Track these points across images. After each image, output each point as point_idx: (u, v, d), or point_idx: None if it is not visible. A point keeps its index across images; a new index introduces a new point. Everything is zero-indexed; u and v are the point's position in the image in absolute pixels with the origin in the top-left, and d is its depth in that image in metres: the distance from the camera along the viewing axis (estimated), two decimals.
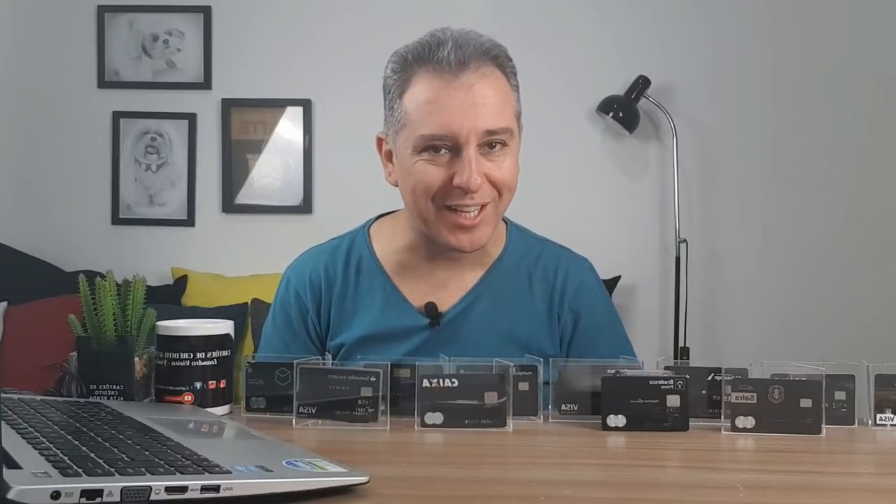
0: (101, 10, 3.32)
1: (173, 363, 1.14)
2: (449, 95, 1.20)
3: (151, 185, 3.34)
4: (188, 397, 1.14)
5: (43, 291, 2.90)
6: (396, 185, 1.31)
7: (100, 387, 1.14)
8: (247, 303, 2.93)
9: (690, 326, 3.08)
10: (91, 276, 1.18)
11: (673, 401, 1.08)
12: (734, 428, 1.06)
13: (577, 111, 3.23)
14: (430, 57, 1.22)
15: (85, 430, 0.89)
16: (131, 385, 1.14)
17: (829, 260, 3.18)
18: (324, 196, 3.30)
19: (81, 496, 0.66)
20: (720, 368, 1.10)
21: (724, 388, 1.07)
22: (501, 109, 1.24)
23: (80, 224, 3.32)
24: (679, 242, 3.08)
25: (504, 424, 1.07)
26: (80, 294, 1.16)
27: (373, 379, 1.07)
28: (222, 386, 1.16)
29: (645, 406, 1.08)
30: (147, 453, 0.79)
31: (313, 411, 1.08)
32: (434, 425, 1.06)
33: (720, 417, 1.07)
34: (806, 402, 1.06)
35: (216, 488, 0.71)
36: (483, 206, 1.25)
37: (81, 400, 1.12)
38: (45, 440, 0.81)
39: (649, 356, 1.21)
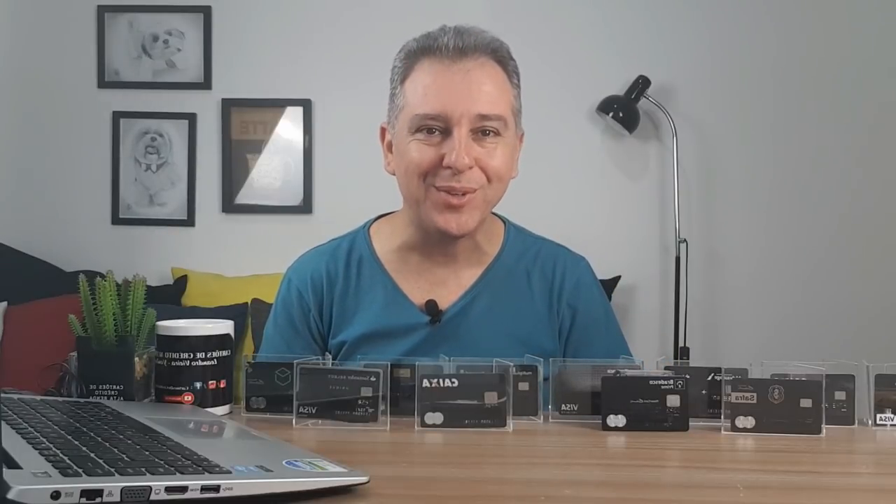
0: (101, 10, 3.32)
1: (173, 363, 1.14)
2: (446, 79, 1.24)
3: (151, 185, 3.34)
4: (188, 397, 1.14)
5: (43, 291, 2.90)
6: (394, 174, 1.33)
7: (100, 387, 1.14)
8: (247, 303, 2.93)
9: (690, 326, 3.08)
10: (91, 276, 1.18)
11: (673, 401, 1.08)
12: (734, 428, 1.06)
13: (577, 111, 3.23)
14: (432, 45, 1.27)
15: (85, 430, 0.89)
16: (131, 385, 1.14)
17: (829, 260, 3.18)
18: (324, 196, 3.30)
19: (81, 496, 0.66)
20: (720, 368, 1.10)
21: (724, 388, 1.07)
22: (496, 98, 1.26)
23: (80, 224, 3.32)
24: (679, 242, 3.08)
25: (504, 424, 1.07)
26: (80, 294, 1.16)
27: (373, 379, 1.07)
28: (222, 386, 1.16)
29: (645, 406, 1.08)
30: (147, 453, 0.79)
31: (313, 411, 1.08)
32: (434, 425, 1.06)
33: (720, 417, 1.07)
34: (806, 402, 1.06)
35: (216, 488, 0.71)
36: (471, 192, 1.26)
37: (81, 400, 1.12)
38: (45, 440, 0.81)
39: (649, 356, 1.21)
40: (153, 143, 3.33)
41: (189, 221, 3.32)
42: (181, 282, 3.14)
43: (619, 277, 3.09)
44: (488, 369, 1.11)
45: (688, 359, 2.86)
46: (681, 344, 3.03)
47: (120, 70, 3.33)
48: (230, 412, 1.17)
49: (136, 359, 1.15)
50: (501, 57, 1.29)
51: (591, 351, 1.34)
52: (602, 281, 1.50)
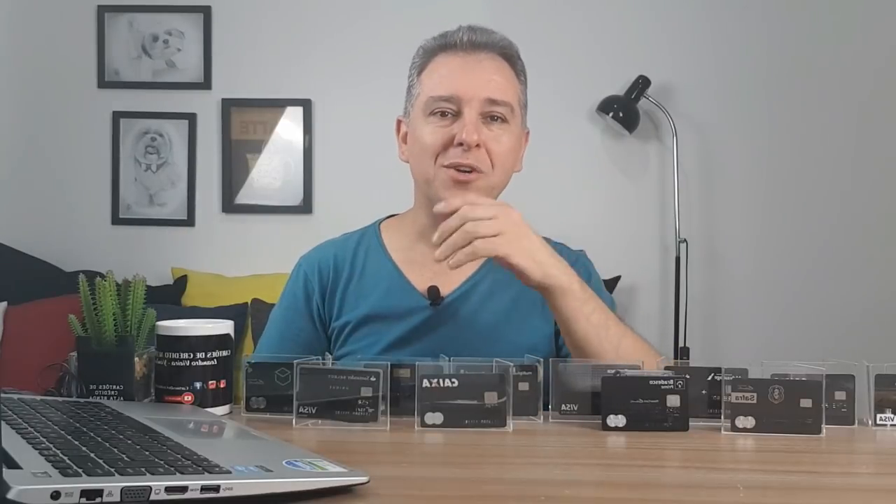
0: (101, 10, 3.32)
1: (173, 363, 1.14)
2: (459, 67, 1.35)
3: (151, 185, 3.34)
4: (188, 397, 1.14)
5: (43, 291, 2.90)
6: (407, 162, 1.42)
7: (100, 387, 1.14)
8: (247, 303, 2.93)
9: (690, 326, 3.08)
10: (91, 276, 1.18)
11: (673, 401, 1.08)
12: (734, 428, 1.06)
13: (577, 111, 3.23)
14: (448, 42, 1.37)
15: (85, 430, 0.89)
16: (131, 385, 1.14)
17: (828, 260, 3.18)
18: (324, 196, 3.30)
19: (81, 496, 0.66)
20: (720, 368, 1.10)
21: (724, 388, 1.07)
22: (505, 87, 1.35)
23: (80, 224, 3.32)
24: (679, 242, 3.08)
25: (504, 424, 1.07)
26: (80, 294, 1.16)
27: (373, 379, 1.07)
28: (222, 386, 1.16)
29: (645, 406, 1.08)
30: (147, 453, 0.79)
31: (313, 411, 1.08)
32: (434, 425, 1.06)
33: (720, 417, 1.07)
34: (806, 402, 1.06)
35: (216, 488, 0.71)
36: (477, 172, 1.33)
37: (81, 400, 1.11)
38: (45, 440, 0.81)
39: None
40: (153, 143, 3.33)
41: (189, 221, 3.33)
42: (181, 282, 3.14)
43: (619, 277, 3.09)
44: (488, 369, 1.11)
45: (688, 359, 2.86)
46: (681, 344, 3.03)
47: (120, 70, 3.33)
48: (230, 412, 1.17)
49: (136, 359, 1.15)
50: (510, 56, 1.38)
51: None
52: (602, 281, 1.52)
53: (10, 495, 0.63)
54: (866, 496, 0.85)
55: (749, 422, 1.06)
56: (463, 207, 1.20)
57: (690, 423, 1.08)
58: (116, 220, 3.33)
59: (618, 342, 1.24)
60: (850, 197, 3.18)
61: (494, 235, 1.19)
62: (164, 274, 3.20)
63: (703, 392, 1.12)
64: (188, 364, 1.14)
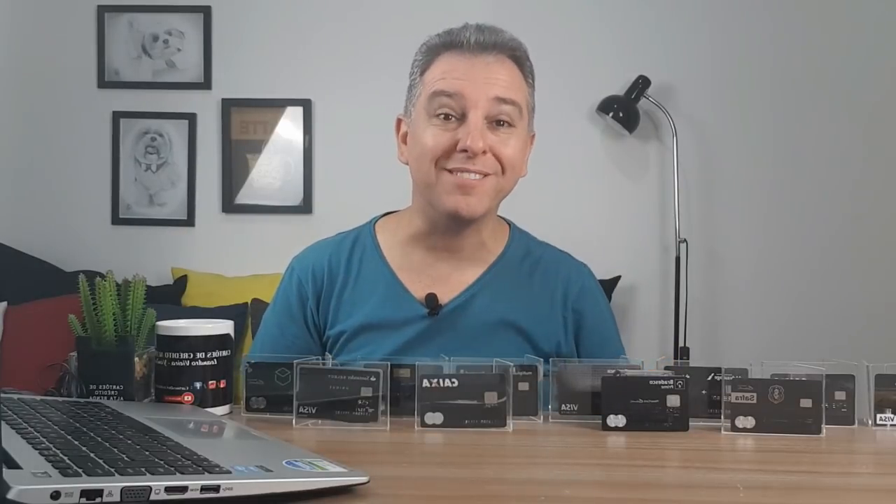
0: (101, 10, 3.32)
1: (173, 363, 1.14)
2: (465, 66, 1.28)
3: (151, 185, 3.34)
4: (188, 397, 1.14)
5: (43, 291, 2.89)
6: (406, 164, 1.35)
7: (100, 387, 1.14)
8: (247, 303, 2.93)
9: (690, 326, 3.08)
10: (91, 276, 1.18)
11: (673, 401, 1.08)
12: (734, 428, 1.06)
13: (577, 111, 3.23)
14: (453, 40, 1.30)
15: (85, 430, 0.89)
16: (131, 385, 1.14)
17: (829, 260, 3.18)
18: (324, 196, 3.30)
19: (81, 496, 0.66)
20: (720, 368, 1.10)
21: (724, 388, 1.07)
22: (513, 87, 1.29)
23: (80, 224, 3.32)
24: (679, 242, 3.08)
25: (504, 424, 1.07)
26: (80, 294, 1.16)
27: (373, 379, 1.07)
28: (222, 386, 1.16)
29: (645, 406, 1.08)
30: (147, 453, 0.79)
31: (313, 411, 1.08)
32: (434, 425, 1.06)
33: (720, 417, 1.07)
34: (806, 402, 1.06)
35: (216, 488, 0.71)
36: (485, 176, 1.27)
37: (81, 400, 1.12)
38: (45, 440, 0.81)
39: (649, 356, 1.21)
40: (153, 143, 3.33)
41: (189, 221, 3.32)
42: (181, 282, 3.14)
43: (619, 277, 3.09)
44: (488, 369, 1.11)
45: (688, 359, 2.86)
46: (681, 344, 3.02)
47: (120, 70, 3.33)
48: (230, 412, 1.17)
49: (136, 359, 1.15)
50: (519, 57, 1.32)
51: (603, 353, 1.35)
52: (602, 281, 1.51)
53: (10, 495, 0.63)
54: (866, 496, 0.85)
55: (749, 422, 1.06)
56: None
57: (690, 423, 1.08)
58: (116, 220, 3.33)
59: None
60: (849, 196, 3.18)
61: None
62: (164, 274, 3.20)
63: (703, 392, 1.12)
64: (188, 364, 1.14)
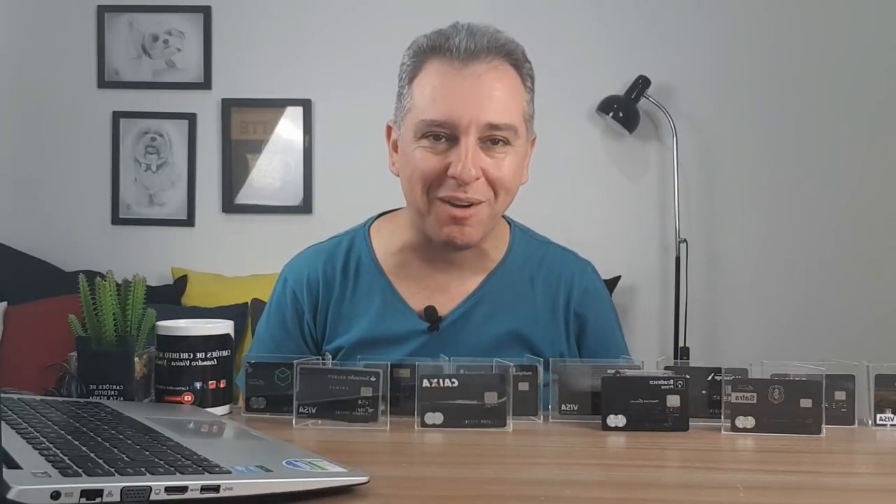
0: (101, 10, 3.32)
1: (173, 363, 1.14)
2: (455, 84, 1.19)
3: (151, 185, 3.34)
4: (188, 397, 1.13)
5: (43, 291, 2.90)
6: (398, 176, 1.29)
7: (100, 387, 1.14)
8: (247, 303, 2.93)
9: (690, 326, 3.08)
10: (91, 276, 1.18)
11: (673, 401, 1.08)
12: (734, 428, 1.06)
13: (577, 111, 3.23)
14: (443, 45, 1.21)
15: (85, 430, 0.89)
16: (131, 385, 1.14)
17: (829, 260, 3.18)
18: (324, 196, 3.30)
19: (81, 496, 0.66)
20: (720, 368, 1.10)
21: (724, 388, 1.07)
22: (508, 105, 1.21)
23: (80, 224, 3.32)
24: (679, 242, 3.08)
25: (504, 424, 1.07)
26: (80, 294, 1.16)
27: (373, 379, 1.07)
28: (222, 386, 1.16)
29: (645, 406, 1.08)
30: (147, 453, 0.79)
31: (313, 411, 1.08)
32: (434, 425, 1.06)
33: (720, 417, 1.07)
34: (806, 402, 1.06)
35: (216, 488, 0.71)
36: (477, 204, 1.22)
37: (81, 400, 1.11)
38: (45, 440, 0.81)
39: (649, 356, 1.21)
40: (153, 143, 3.33)
41: (189, 221, 3.33)
42: (181, 282, 3.14)
43: (619, 277, 3.09)
44: (488, 369, 1.10)
45: (688, 359, 2.86)
46: (681, 344, 3.03)
47: (120, 70, 3.33)
48: (230, 412, 1.17)
49: (136, 359, 1.15)
50: (516, 59, 1.23)
51: (606, 356, 1.32)
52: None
53: (10, 495, 0.63)
54: (866, 496, 0.85)
55: (749, 422, 1.06)
56: None
57: (690, 423, 1.08)
58: (116, 220, 3.33)
59: None
60: (849, 196, 3.18)
61: None
62: (164, 274, 3.20)
63: (703, 392, 1.12)
64: (188, 364, 1.13)
